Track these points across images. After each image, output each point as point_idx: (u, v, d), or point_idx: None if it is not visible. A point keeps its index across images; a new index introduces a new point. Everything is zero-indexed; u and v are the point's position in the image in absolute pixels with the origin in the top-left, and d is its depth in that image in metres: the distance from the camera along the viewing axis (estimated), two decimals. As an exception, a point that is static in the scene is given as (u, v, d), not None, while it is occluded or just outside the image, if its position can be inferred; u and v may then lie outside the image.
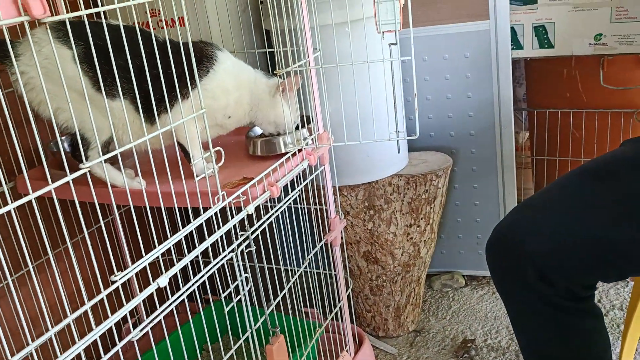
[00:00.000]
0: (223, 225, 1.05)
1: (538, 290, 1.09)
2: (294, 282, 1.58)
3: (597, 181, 1.13)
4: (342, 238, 1.56)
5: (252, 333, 1.18)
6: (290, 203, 1.58)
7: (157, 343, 1.44)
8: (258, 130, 1.46)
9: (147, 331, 0.91)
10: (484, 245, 1.22)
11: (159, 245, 0.90)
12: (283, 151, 1.35)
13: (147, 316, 1.03)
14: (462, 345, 1.78)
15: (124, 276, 0.81)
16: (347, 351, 1.62)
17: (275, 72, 1.31)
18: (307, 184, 1.50)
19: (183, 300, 1.02)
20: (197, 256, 1.00)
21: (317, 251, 1.56)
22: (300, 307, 1.67)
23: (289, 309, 1.56)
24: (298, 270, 1.43)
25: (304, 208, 1.61)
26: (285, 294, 1.51)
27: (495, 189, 1.98)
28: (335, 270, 1.58)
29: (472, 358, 1.74)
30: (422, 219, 1.74)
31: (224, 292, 1.17)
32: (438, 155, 1.85)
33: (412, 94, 1.39)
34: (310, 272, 1.69)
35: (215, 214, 1.04)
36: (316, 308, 1.65)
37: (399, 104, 1.39)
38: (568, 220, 1.09)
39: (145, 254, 0.88)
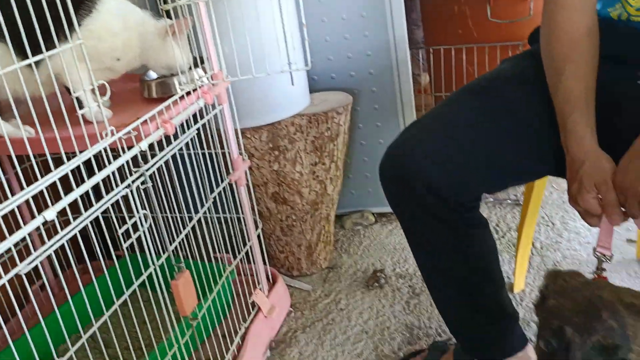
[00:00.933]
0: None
1: (430, 204, 1.16)
2: (204, 229, 1.60)
3: (478, 97, 1.20)
4: (247, 179, 1.58)
5: (155, 271, 1.18)
6: (194, 149, 1.58)
7: (60, 306, 1.40)
8: (153, 75, 1.44)
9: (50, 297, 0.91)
10: None
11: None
12: (178, 91, 1.34)
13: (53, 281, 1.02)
14: (373, 275, 1.86)
15: (4, 207, 0.79)
16: (260, 289, 1.66)
17: (162, 7, 1.29)
18: (209, 128, 1.51)
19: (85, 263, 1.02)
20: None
21: (226, 196, 1.57)
22: (211, 254, 1.69)
23: (197, 255, 1.58)
24: (198, 215, 1.44)
25: (208, 154, 1.61)
26: (192, 240, 1.52)
27: (397, 127, 2.05)
28: (241, 211, 1.60)
29: (382, 286, 1.83)
30: (326, 156, 1.78)
31: (131, 248, 1.17)
32: (339, 94, 1.89)
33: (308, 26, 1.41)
34: (219, 217, 1.70)
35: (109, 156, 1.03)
36: (229, 253, 1.66)
37: (289, 36, 1.40)
38: (452, 136, 1.15)
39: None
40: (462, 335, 1.37)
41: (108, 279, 1.13)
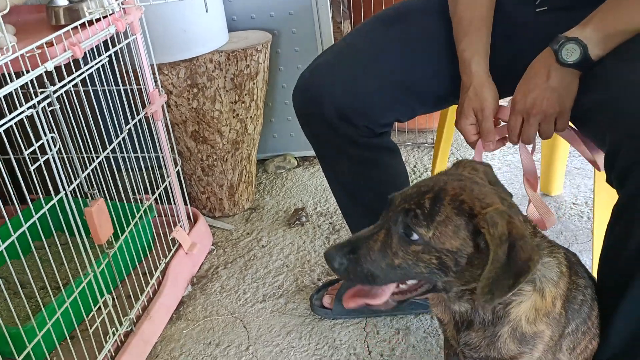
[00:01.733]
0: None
1: (340, 130, 1.19)
2: (120, 169, 1.57)
3: (386, 26, 1.23)
4: (164, 114, 1.56)
5: (67, 196, 1.16)
6: (108, 85, 1.54)
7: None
8: (59, 1, 1.38)
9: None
10: None
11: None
12: (87, 18, 1.30)
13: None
14: (294, 214, 1.89)
15: None
16: (180, 226, 1.66)
17: None
18: (124, 63, 1.46)
19: None
20: None
21: (144, 134, 1.54)
22: (131, 195, 1.67)
23: (116, 197, 1.56)
24: (110, 147, 1.41)
25: (124, 90, 1.57)
26: (110, 181, 1.49)
27: (318, 69, 2.06)
28: (160, 150, 1.58)
29: (303, 224, 1.86)
30: (246, 94, 1.78)
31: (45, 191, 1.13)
32: (258, 32, 1.88)
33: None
34: (137, 157, 1.67)
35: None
36: (149, 194, 1.64)
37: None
38: (363, 64, 1.18)
39: None
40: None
41: (22, 220, 1.10)
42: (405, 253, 0.78)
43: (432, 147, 2.25)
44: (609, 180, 0.93)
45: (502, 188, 0.90)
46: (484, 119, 1.05)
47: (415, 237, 0.77)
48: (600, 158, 1.01)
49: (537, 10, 1.13)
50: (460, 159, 0.92)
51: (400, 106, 1.20)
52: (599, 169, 1.02)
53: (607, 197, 1.28)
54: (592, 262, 1.37)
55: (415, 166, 2.14)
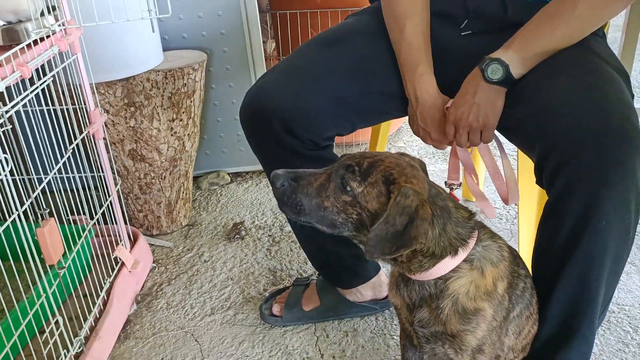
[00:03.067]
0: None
1: (287, 143, 1.25)
2: (59, 190, 1.55)
3: (327, 46, 1.31)
4: (104, 133, 1.56)
5: (19, 217, 1.14)
6: (45, 105, 1.52)
7: None
8: (-3, 21, 1.36)
9: None
10: (245, 142, 1.35)
11: None
12: (27, 39, 1.29)
13: None
14: (233, 228, 1.93)
15: None
16: (122, 245, 1.65)
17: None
18: (60, 83, 1.45)
19: None
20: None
21: (80, 156, 1.53)
22: (69, 216, 1.64)
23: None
24: (52, 171, 1.40)
25: (60, 110, 1.55)
26: (41, 203, 1.47)
27: (249, 87, 2.11)
28: (102, 170, 1.58)
29: (242, 237, 1.90)
30: (183, 112, 1.80)
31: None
32: (193, 52, 1.91)
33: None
34: (74, 177, 1.66)
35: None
36: (87, 215, 1.62)
37: (148, -17, 1.40)
38: (307, 82, 1.25)
39: None
40: (322, 266, 1.50)
41: None
42: (336, 200, 0.93)
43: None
44: (539, 182, 1.05)
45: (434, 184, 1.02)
46: (426, 126, 1.16)
47: (348, 188, 0.91)
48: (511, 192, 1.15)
49: (462, 34, 1.25)
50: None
51: (342, 121, 1.29)
52: (505, 202, 1.16)
53: (529, 200, 1.44)
54: (517, 250, 1.51)
55: (345, 178, 2.23)
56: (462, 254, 0.95)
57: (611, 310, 1.48)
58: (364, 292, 1.50)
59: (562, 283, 1.02)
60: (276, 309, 1.52)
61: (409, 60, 1.21)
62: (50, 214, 1.32)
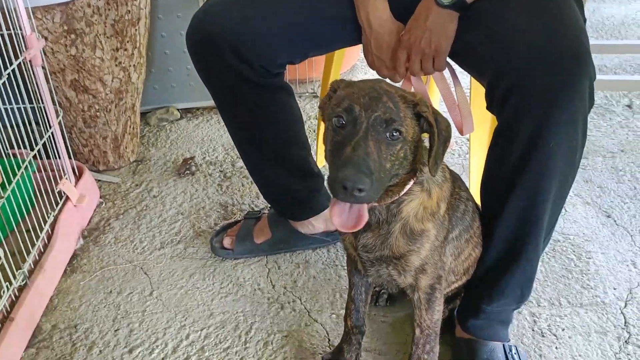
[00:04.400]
0: None
1: (236, 69, 1.20)
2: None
3: None
4: (43, 60, 1.47)
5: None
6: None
7: None
8: None
9: None
10: (195, 76, 1.28)
11: None
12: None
13: None
14: (183, 164, 1.88)
15: None
16: (66, 179, 1.59)
17: None
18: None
19: None
20: None
21: (17, 85, 1.45)
22: (8, 150, 1.57)
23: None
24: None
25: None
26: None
27: (198, 18, 2.03)
28: (42, 100, 1.49)
29: (193, 173, 1.86)
30: (128, 42, 1.72)
31: None
32: (137, -23, 1.81)
33: None
34: (12, 108, 1.57)
35: None
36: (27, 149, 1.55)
37: None
38: (257, 5, 1.20)
39: None
40: (274, 199, 1.48)
41: None
42: (391, 155, 0.87)
43: (312, 97, 2.33)
44: (489, 107, 1.05)
45: None
46: (381, 54, 1.13)
47: (397, 136, 0.86)
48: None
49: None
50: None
51: (294, 48, 1.24)
52: (460, 132, 1.14)
53: (481, 133, 1.44)
54: (469, 183, 1.52)
55: (298, 115, 2.20)
56: (415, 177, 0.95)
57: (556, 240, 1.52)
58: (316, 224, 1.49)
59: (510, 205, 1.03)
60: (227, 242, 1.50)
61: None
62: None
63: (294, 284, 1.41)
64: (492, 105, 1.03)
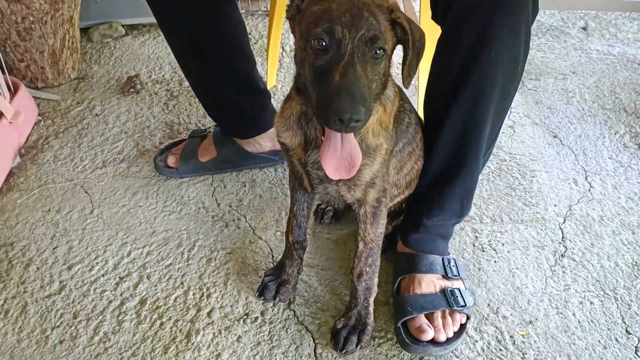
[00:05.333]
0: None
1: None
2: None
3: None
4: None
5: None
6: None
7: None
8: None
9: None
10: None
11: None
12: None
13: None
14: (127, 81, 1.81)
15: None
16: (0, 94, 1.51)
17: None
18: None
19: None
20: None
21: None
22: None
23: None
24: None
25: None
26: None
27: None
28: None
29: (138, 91, 1.79)
30: (62, -53, 1.60)
31: None
32: None
33: None
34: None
35: None
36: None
37: None
38: None
39: None
40: (220, 116, 1.43)
41: None
42: (376, 73, 0.83)
43: (265, 15, 2.25)
44: (434, 17, 1.01)
45: None
46: None
47: (381, 53, 0.82)
48: None
49: None
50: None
51: None
52: None
53: (430, 48, 1.41)
54: (417, 99, 1.51)
55: (250, 33, 2.12)
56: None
57: (503, 159, 1.53)
58: (263, 143, 1.46)
59: (452, 115, 1.02)
60: (171, 160, 1.47)
61: None
62: None
63: (240, 203, 1.40)
64: (437, 13, 1.00)
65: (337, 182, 0.99)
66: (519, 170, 1.50)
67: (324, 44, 0.81)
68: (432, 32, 1.04)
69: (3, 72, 1.56)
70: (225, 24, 1.28)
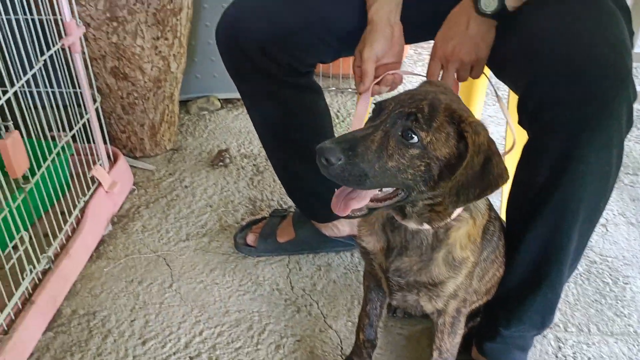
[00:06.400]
0: None
1: (264, 67, 1.18)
2: (36, 106, 1.50)
3: None
4: (83, 47, 1.49)
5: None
6: (22, 14, 1.45)
7: None
8: None
9: None
10: None
11: None
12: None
13: None
14: (217, 155, 1.88)
15: None
16: (100, 164, 1.61)
17: None
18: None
19: None
20: None
21: (61, 69, 1.47)
22: (47, 133, 1.60)
23: (32, 133, 1.50)
24: (21, 81, 1.34)
25: (39, 20, 1.48)
26: (27, 117, 1.42)
27: (243, 9, 2.01)
28: (78, 85, 1.52)
29: (226, 165, 1.86)
30: (169, 31, 1.72)
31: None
32: (182, -34, 1.81)
33: None
34: (53, 92, 1.60)
35: None
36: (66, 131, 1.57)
37: None
38: (287, 2, 1.17)
39: None
40: (299, 199, 1.46)
41: None
42: (401, 156, 0.79)
43: (355, 93, 2.29)
44: (520, 121, 0.99)
45: None
46: (362, 62, 1.06)
47: (414, 140, 0.78)
48: None
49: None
50: (427, 80, 0.96)
51: (324, 46, 1.21)
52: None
53: (517, 143, 1.38)
54: (501, 203, 1.46)
55: (338, 111, 2.17)
56: None
57: (593, 261, 1.44)
58: (341, 227, 1.46)
59: (535, 227, 0.98)
60: (251, 238, 1.50)
61: None
62: (18, 128, 1.27)
63: (313, 287, 1.39)
64: (523, 119, 0.97)
65: (418, 292, 0.96)
66: (611, 275, 1.40)
67: (374, 110, 0.83)
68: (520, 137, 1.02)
69: (105, 143, 1.67)
70: (310, 114, 1.31)
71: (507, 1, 0.97)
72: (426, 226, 0.90)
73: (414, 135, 0.78)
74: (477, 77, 1.07)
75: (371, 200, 0.84)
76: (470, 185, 0.78)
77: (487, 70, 1.10)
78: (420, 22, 1.10)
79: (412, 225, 0.91)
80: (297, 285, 1.40)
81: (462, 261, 0.92)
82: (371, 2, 1.09)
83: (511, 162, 1.38)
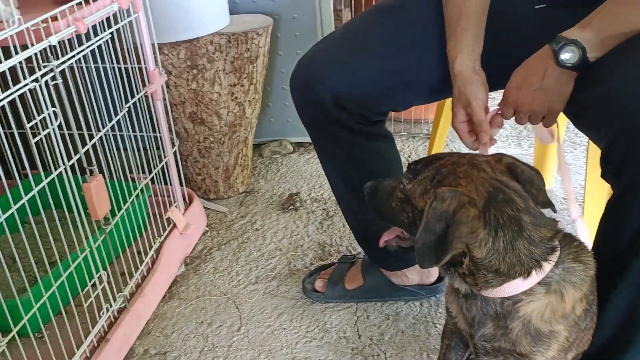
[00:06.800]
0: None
1: (336, 117, 1.20)
2: (119, 148, 1.57)
3: (387, 16, 1.23)
4: (164, 94, 1.57)
5: (65, 171, 1.17)
6: (109, 63, 1.54)
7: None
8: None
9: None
10: None
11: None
12: (91, -7, 1.30)
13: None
14: (288, 199, 1.91)
15: None
16: (176, 206, 1.67)
17: None
18: (126, 41, 1.46)
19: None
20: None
21: (143, 114, 1.55)
22: (127, 174, 1.67)
23: (111, 174, 1.57)
24: (109, 125, 1.42)
25: (124, 68, 1.57)
26: (110, 159, 1.50)
27: (317, 56, 2.06)
28: (158, 130, 1.59)
29: (297, 209, 1.88)
30: (245, 78, 1.78)
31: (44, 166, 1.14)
32: (259, 17, 1.88)
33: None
34: (135, 136, 1.68)
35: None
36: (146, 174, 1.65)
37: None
38: (359, 52, 1.18)
39: None
40: (369, 247, 1.44)
41: (22, 192, 1.10)
42: (397, 200, 0.91)
43: (427, 138, 2.27)
44: (604, 175, 0.94)
45: (543, 195, 0.88)
46: (473, 113, 1.05)
47: (401, 185, 0.89)
48: None
49: (535, 7, 1.14)
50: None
51: (396, 95, 1.21)
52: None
53: (598, 193, 1.32)
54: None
55: (410, 156, 2.16)
56: (536, 277, 0.83)
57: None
58: (410, 276, 1.44)
59: (620, 289, 0.92)
60: (319, 284, 1.49)
61: (446, 34, 1.12)
62: (101, 171, 1.34)
63: (381, 337, 1.37)
64: (607, 173, 0.93)
65: (505, 359, 0.92)
66: None
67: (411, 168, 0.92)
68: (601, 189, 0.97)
69: (181, 185, 1.73)
70: (381, 162, 1.31)
71: (589, 53, 0.94)
72: (487, 293, 0.86)
73: (402, 180, 0.89)
74: (549, 126, 1.03)
75: (397, 236, 1.01)
76: (432, 247, 0.80)
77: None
78: (495, 70, 1.09)
79: (456, 284, 0.90)
80: (365, 334, 1.38)
81: (551, 335, 0.86)
82: (454, 56, 1.08)
83: (590, 217, 1.33)
